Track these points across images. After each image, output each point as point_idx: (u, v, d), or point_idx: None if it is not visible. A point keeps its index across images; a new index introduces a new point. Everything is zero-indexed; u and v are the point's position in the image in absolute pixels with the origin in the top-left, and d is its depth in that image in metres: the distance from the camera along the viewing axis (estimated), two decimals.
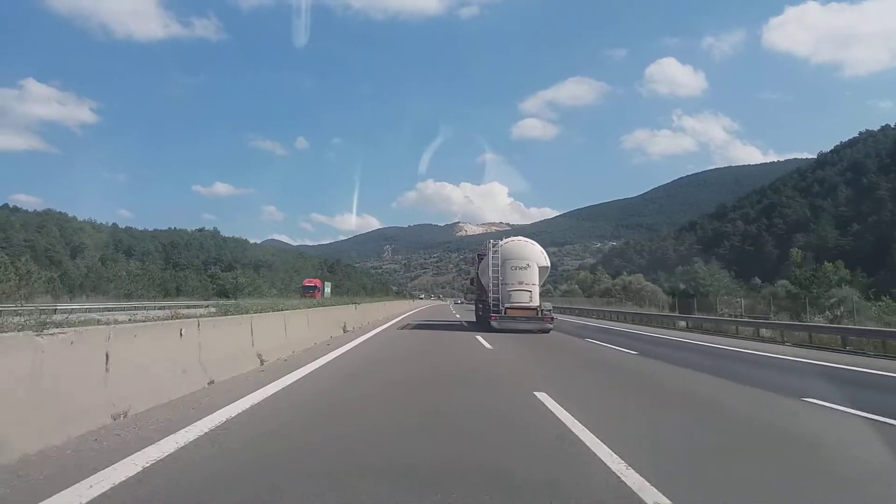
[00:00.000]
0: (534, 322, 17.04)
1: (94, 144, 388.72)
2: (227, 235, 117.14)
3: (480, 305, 20.85)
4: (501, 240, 18.64)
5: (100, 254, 75.95)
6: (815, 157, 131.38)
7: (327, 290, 58.58)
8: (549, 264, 18.82)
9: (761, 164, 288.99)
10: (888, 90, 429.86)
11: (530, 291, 17.36)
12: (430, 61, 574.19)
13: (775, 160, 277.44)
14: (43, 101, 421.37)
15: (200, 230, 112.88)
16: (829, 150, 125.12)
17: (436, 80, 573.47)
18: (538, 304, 17.35)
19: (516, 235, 20.27)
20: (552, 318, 17.57)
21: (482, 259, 20.26)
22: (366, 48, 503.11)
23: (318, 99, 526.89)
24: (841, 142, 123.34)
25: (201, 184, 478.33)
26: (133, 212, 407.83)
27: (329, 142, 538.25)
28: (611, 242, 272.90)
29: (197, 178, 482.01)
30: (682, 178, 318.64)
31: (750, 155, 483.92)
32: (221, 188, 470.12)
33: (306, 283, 62.79)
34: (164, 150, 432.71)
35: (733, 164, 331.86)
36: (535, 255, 18.23)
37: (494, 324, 16.90)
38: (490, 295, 17.74)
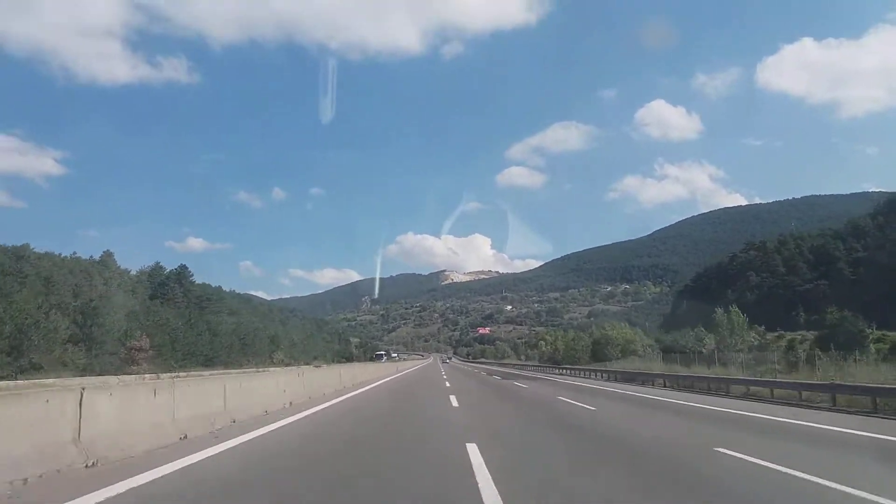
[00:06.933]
0: None
1: (61, 198, 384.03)
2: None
3: None
4: None
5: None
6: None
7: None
8: None
9: (763, 204, 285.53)
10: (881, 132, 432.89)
11: None
12: (411, 109, 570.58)
13: (785, 199, 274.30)
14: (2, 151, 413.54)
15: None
16: None
17: (417, 130, 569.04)
18: None
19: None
20: None
21: None
22: (341, 93, 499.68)
23: (293, 147, 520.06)
24: None
25: (174, 239, 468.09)
26: None
27: (307, 192, 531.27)
28: (623, 285, 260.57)
29: (169, 233, 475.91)
30: (684, 219, 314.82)
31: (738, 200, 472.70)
32: (195, 243, 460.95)
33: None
34: (135, 203, 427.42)
35: (733, 205, 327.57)
36: None
37: None
38: None
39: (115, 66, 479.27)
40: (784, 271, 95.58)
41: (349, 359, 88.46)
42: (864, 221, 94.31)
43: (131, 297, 59.86)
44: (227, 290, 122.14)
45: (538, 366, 70.94)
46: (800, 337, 57.86)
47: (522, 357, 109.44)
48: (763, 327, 54.37)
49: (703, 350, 52.51)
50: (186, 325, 54.88)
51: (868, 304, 56.77)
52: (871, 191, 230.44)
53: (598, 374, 39.53)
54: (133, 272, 75.81)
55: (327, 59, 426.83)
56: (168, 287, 71.42)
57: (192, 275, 79.51)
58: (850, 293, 68.28)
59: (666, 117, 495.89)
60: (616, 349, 58.58)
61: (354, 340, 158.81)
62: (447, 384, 25.83)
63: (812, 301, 77.89)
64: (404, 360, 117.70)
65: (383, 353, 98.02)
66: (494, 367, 73.46)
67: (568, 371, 50.02)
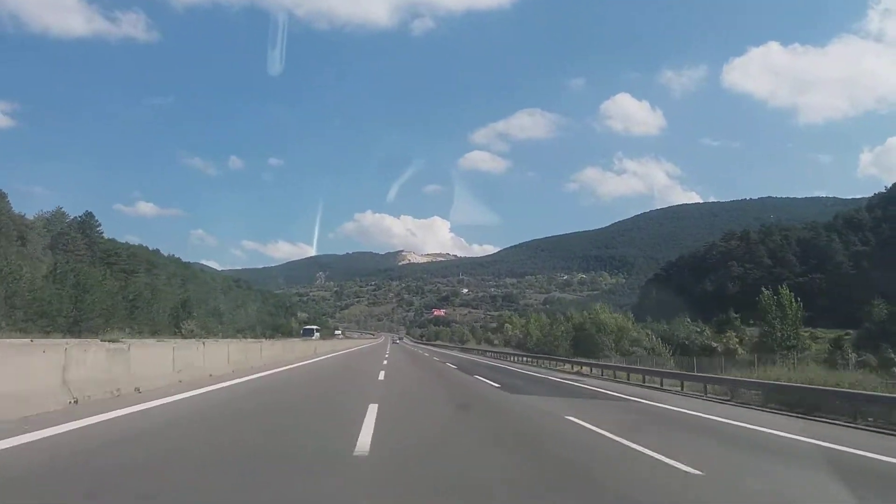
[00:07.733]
0: None
1: (7, 152, 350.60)
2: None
3: None
4: None
5: None
6: None
7: None
8: None
9: (720, 203, 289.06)
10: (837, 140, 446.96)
11: None
12: (377, 84, 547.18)
13: (741, 199, 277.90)
14: None
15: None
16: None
17: (381, 106, 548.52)
18: None
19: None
20: None
21: None
22: (306, 64, 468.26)
23: (252, 116, 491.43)
24: None
25: (123, 202, 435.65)
26: None
27: (265, 163, 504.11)
28: (580, 274, 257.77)
29: (119, 196, 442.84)
30: (642, 213, 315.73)
31: (694, 198, 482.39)
32: (146, 208, 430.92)
33: None
34: (85, 161, 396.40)
35: (691, 202, 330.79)
36: None
37: None
38: None
39: (70, 18, 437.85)
40: (770, 263, 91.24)
41: (288, 334, 78.50)
42: (860, 215, 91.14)
43: (13, 244, 46.90)
44: (167, 254, 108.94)
45: (528, 355, 49.01)
46: (811, 333, 51.35)
47: (494, 342, 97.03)
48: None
49: (718, 347, 44.89)
50: (45, 279, 41.64)
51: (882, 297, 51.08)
52: (823, 196, 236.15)
53: (691, 382, 18.53)
54: (29, 217, 61.82)
55: (284, 17, 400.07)
56: (69, 237, 58.21)
57: (100, 225, 66.94)
58: (850, 286, 63.43)
59: (630, 111, 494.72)
60: (609, 338, 50.00)
61: (303, 316, 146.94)
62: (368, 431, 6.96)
63: (804, 295, 72.90)
64: (352, 338, 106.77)
65: (314, 328, 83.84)
66: (457, 354, 57.74)
67: (584, 367, 29.95)
